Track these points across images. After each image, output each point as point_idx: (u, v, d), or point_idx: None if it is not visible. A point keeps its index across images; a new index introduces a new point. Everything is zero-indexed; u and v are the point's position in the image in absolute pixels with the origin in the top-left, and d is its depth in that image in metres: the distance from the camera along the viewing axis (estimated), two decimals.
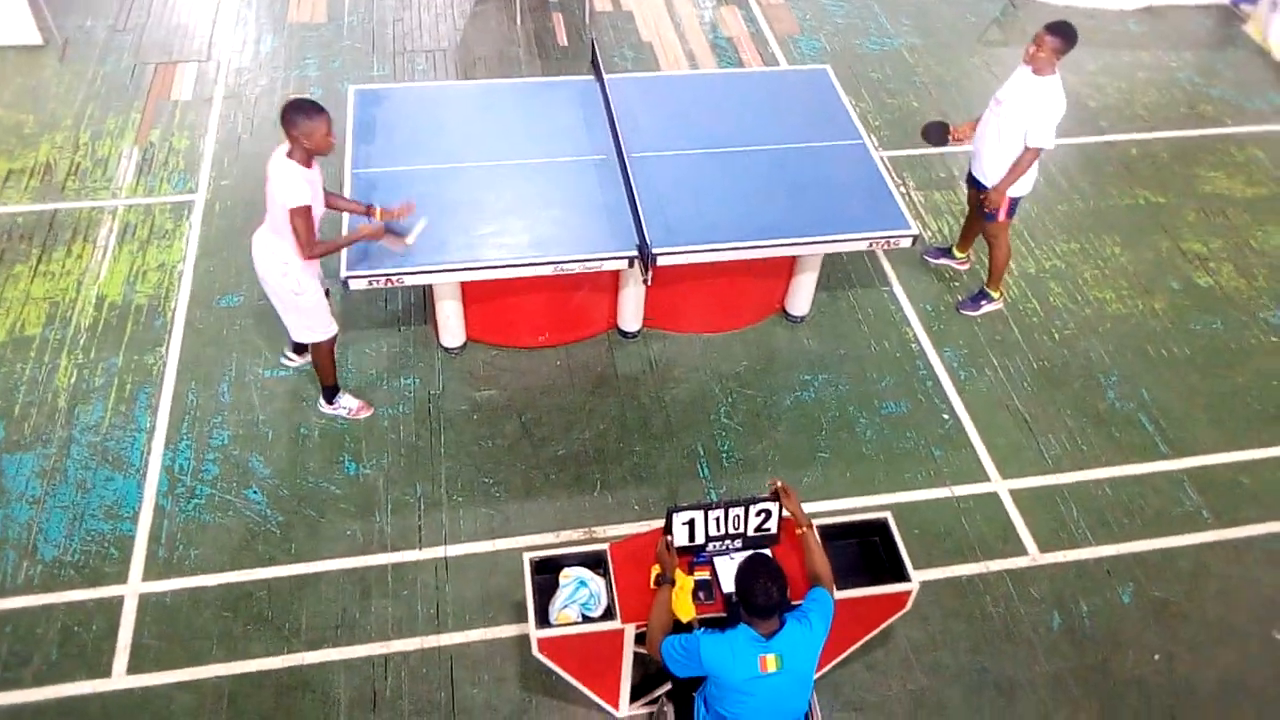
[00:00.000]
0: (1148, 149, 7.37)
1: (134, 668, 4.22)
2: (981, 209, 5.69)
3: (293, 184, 4.41)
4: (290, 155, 4.47)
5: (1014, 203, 5.63)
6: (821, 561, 3.66)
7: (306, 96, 4.45)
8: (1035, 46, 5.25)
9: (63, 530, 4.68)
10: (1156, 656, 4.52)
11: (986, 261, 5.99)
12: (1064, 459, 5.29)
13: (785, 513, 3.84)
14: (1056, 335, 5.95)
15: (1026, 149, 5.37)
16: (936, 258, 6.31)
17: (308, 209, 4.45)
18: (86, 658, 4.24)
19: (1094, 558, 4.87)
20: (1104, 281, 6.31)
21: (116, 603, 4.44)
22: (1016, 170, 5.43)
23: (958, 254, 6.29)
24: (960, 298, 6.11)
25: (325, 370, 5.15)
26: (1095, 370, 5.76)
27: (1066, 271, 6.36)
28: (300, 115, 4.39)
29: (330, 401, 5.26)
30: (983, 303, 6.04)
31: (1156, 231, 6.69)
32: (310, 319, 4.88)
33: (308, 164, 4.49)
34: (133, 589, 4.49)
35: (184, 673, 4.22)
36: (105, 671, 4.20)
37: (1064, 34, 5.21)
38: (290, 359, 5.48)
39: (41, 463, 4.95)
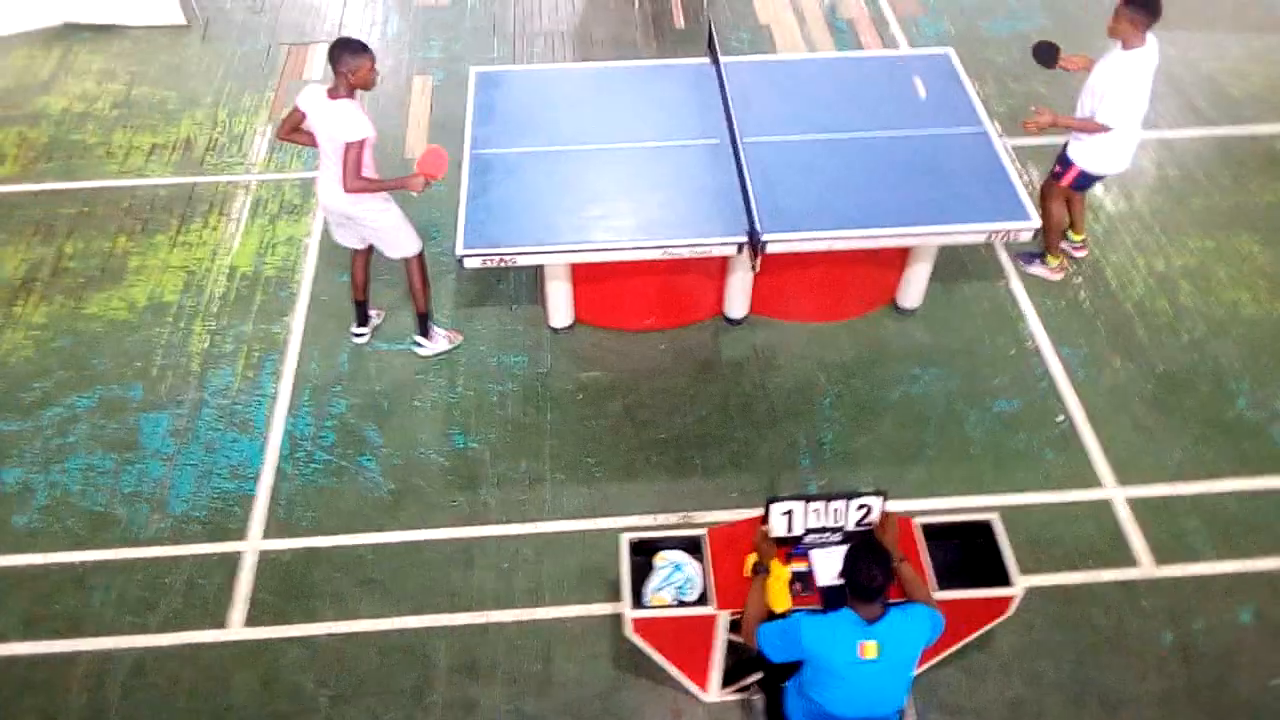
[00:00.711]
0: None
1: (250, 620, 4.47)
2: (1054, 175, 5.67)
3: (354, 119, 4.65)
4: (334, 94, 4.68)
5: (1083, 175, 5.56)
6: (920, 591, 3.60)
7: (349, 37, 4.71)
8: (1113, 18, 5.11)
9: (191, 487, 4.97)
10: (1275, 681, 4.30)
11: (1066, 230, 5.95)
12: (1186, 468, 5.06)
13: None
14: (1185, 337, 5.68)
15: (1095, 120, 5.29)
16: (1029, 263, 6.08)
17: (364, 142, 4.68)
18: (208, 608, 4.51)
19: (1213, 574, 4.65)
20: (1240, 282, 5.99)
21: (237, 558, 4.69)
22: (1077, 125, 5.37)
23: (1074, 237, 6.07)
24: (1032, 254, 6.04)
25: (420, 292, 5.38)
26: (1225, 376, 5.48)
27: (1199, 270, 6.05)
28: (348, 53, 4.62)
29: (427, 334, 5.51)
30: (1037, 262, 5.99)
31: None
32: (398, 234, 5.15)
33: (353, 96, 4.72)
34: (252, 546, 4.74)
35: (296, 628, 4.45)
36: (223, 623, 4.46)
37: (1142, 4, 5.02)
38: (359, 333, 5.66)
39: (174, 422, 5.25)
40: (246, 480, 5.00)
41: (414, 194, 4.94)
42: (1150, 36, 5.15)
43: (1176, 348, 5.62)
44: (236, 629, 4.44)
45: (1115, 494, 4.95)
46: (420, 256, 5.32)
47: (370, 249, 5.37)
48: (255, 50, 7.77)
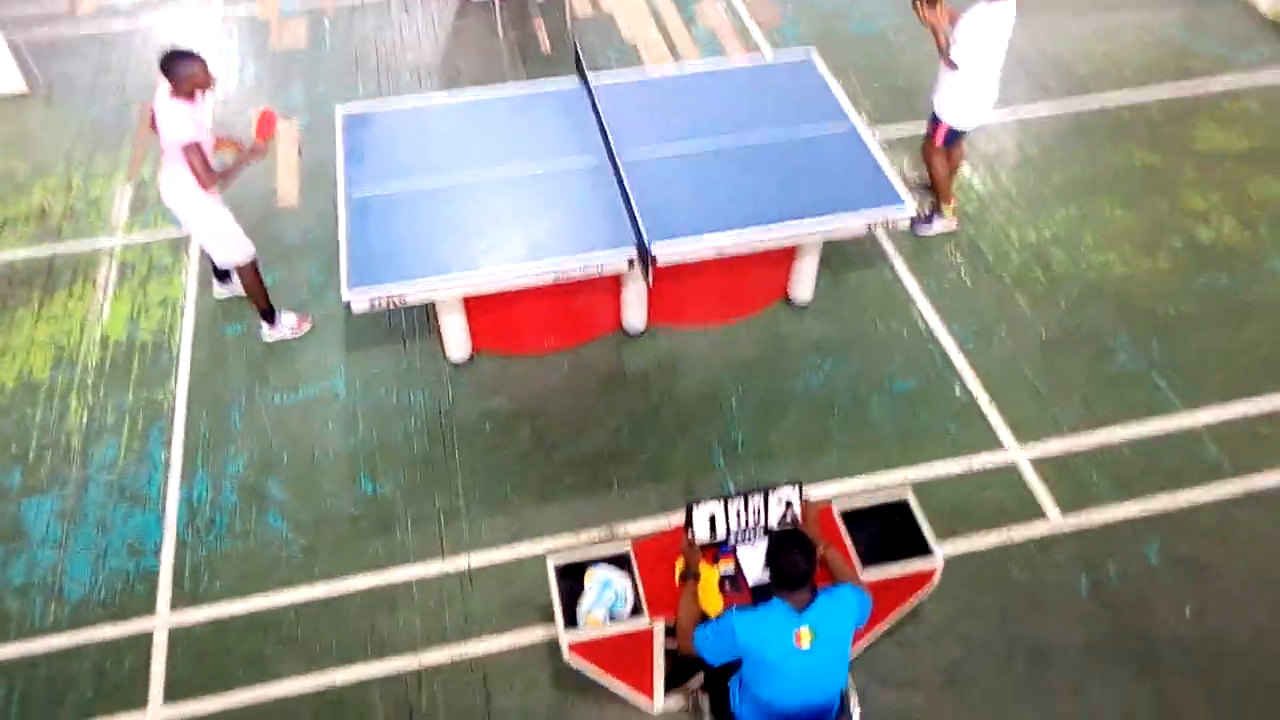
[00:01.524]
0: (1140, 110, 7.34)
1: (170, 697, 4.24)
2: (928, 137, 6.15)
3: (180, 122, 4.81)
4: (174, 95, 4.86)
5: (951, 131, 6.02)
6: (847, 574, 3.65)
7: (179, 46, 4.92)
8: None
9: (87, 570, 4.70)
10: (1188, 612, 4.50)
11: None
12: (1080, 423, 5.27)
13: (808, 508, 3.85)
14: (1063, 302, 5.93)
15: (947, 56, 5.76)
16: (924, 228, 6.38)
17: (198, 144, 4.85)
18: (122, 692, 4.26)
19: (1118, 519, 4.86)
20: (1106, 244, 6.30)
21: (147, 637, 4.45)
22: (941, 41, 5.75)
23: (945, 209, 6.41)
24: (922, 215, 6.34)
25: (257, 293, 5.52)
26: (1104, 334, 5.74)
27: (1068, 238, 6.35)
28: (179, 63, 4.82)
29: (271, 324, 5.60)
30: (935, 219, 6.35)
31: (1155, 191, 6.67)
32: (227, 241, 5.30)
33: (191, 99, 4.89)
34: (162, 621, 4.51)
35: (220, 699, 4.24)
36: (142, 704, 4.22)
37: None
38: (220, 289, 5.85)
39: (60, 504, 4.96)
40: (146, 555, 4.75)
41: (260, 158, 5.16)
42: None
43: (1056, 312, 5.87)
44: (156, 710, 4.20)
45: (1018, 455, 5.13)
46: (252, 265, 5.44)
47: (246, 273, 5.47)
48: (105, 111, 7.47)
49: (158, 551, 4.76)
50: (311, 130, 7.21)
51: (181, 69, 4.81)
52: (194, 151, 4.85)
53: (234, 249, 5.34)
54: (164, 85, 4.88)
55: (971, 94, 5.85)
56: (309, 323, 5.73)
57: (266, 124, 5.11)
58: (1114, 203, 6.58)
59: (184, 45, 4.94)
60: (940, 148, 6.13)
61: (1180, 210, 6.52)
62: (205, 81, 4.90)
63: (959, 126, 6.01)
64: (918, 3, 5.81)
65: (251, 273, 5.46)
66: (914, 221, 6.14)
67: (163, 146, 5.01)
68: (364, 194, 5.32)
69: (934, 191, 6.34)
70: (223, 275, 5.83)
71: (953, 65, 5.73)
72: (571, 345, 5.68)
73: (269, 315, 5.63)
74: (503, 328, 5.56)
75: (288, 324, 5.68)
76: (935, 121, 6.05)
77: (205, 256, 5.77)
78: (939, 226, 6.37)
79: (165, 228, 6.49)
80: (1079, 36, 8.07)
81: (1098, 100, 7.43)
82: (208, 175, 4.92)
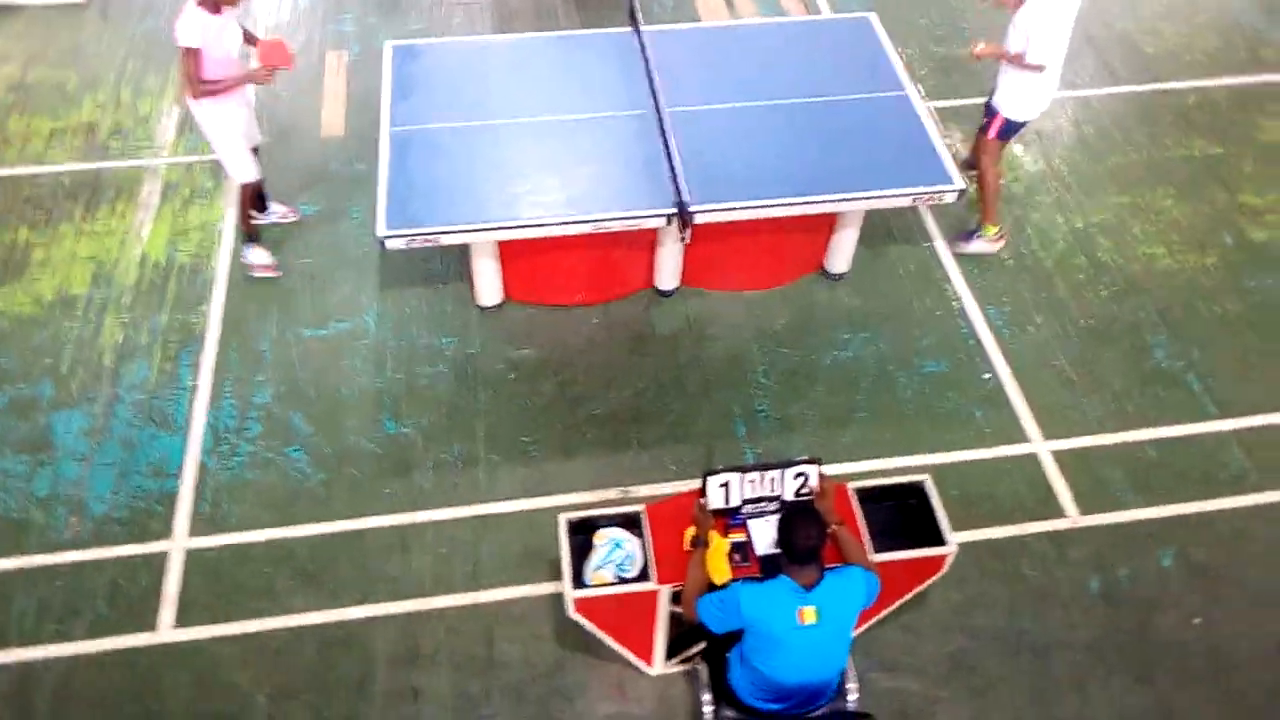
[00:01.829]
0: (1206, 96, 7.10)
1: (181, 621, 4.35)
2: (981, 130, 5.74)
3: (189, 26, 4.83)
4: (200, 4, 4.87)
5: (1007, 124, 5.59)
6: (858, 555, 3.64)
7: None
8: None
9: (110, 486, 4.80)
10: (1196, 620, 4.47)
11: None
12: (1108, 420, 5.19)
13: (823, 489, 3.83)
14: (1105, 292, 5.81)
15: (1023, 60, 5.32)
16: (961, 245, 6.06)
17: (197, 52, 4.87)
18: (135, 612, 4.37)
19: (1135, 520, 4.80)
20: (1155, 236, 6.14)
21: (162, 558, 4.56)
22: (1010, 58, 5.37)
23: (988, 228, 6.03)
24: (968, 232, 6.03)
25: (241, 213, 5.59)
26: (1143, 329, 5.62)
27: (1116, 226, 6.19)
28: None
29: (246, 248, 5.73)
30: (975, 238, 5.95)
31: (1212, 184, 6.48)
32: (226, 156, 5.36)
33: (216, 10, 4.91)
34: (178, 545, 4.61)
35: (229, 627, 4.34)
36: (152, 625, 4.33)
37: None
38: (257, 216, 5.84)
39: (88, 420, 5.06)
40: (168, 477, 4.84)
41: (268, 84, 5.27)
42: None
43: (1096, 303, 5.75)
44: (167, 631, 4.31)
45: (1041, 448, 5.07)
46: (245, 189, 5.49)
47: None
48: (158, 28, 7.44)
49: (179, 474, 4.85)
50: (361, 61, 7.16)
51: None
52: (189, 57, 4.88)
53: (234, 167, 5.41)
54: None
55: (1036, 84, 5.43)
56: (273, 273, 5.72)
57: (274, 52, 5.13)
58: (1168, 193, 6.40)
59: None
60: (995, 143, 5.70)
61: (1236, 206, 6.33)
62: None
63: (1018, 118, 5.56)
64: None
65: (245, 193, 5.52)
66: (955, 237, 6.01)
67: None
68: (407, 129, 5.29)
69: (980, 202, 5.89)
70: (261, 203, 5.86)
71: (1038, 68, 5.29)
72: (602, 300, 5.66)
73: (248, 239, 5.71)
74: (535, 277, 5.55)
75: (256, 259, 5.70)
76: (991, 113, 5.62)
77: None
78: (977, 247, 5.94)
79: (209, 151, 6.47)
80: (1149, 15, 7.79)
81: (1162, 85, 7.19)
82: (194, 84, 4.96)
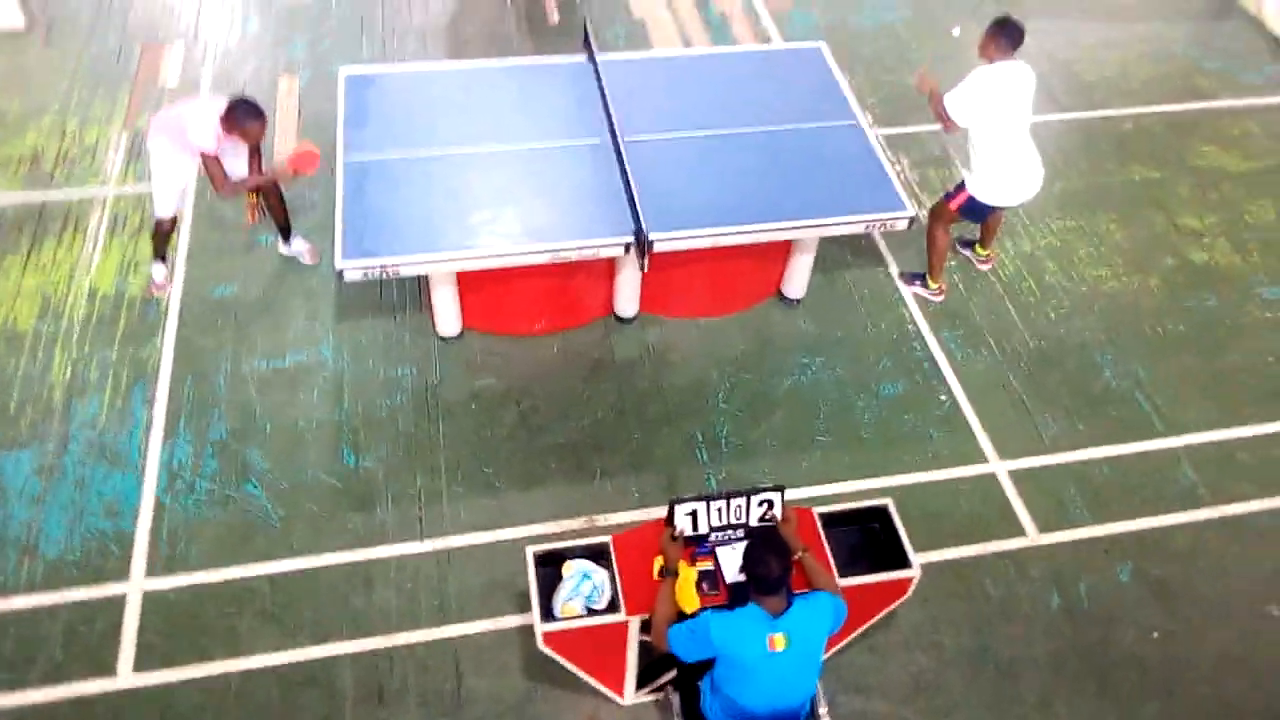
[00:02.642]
0: (1143, 123, 7.34)
1: (140, 665, 4.23)
2: (946, 195, 5.67)
3: (209, 135, 4.97)
4: (226, 130, 5.03)
5: (971, 200, 5.47)
6: (825, 581, 3.68)
7: (247, 97, 5.10)
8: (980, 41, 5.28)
9: (63, 528, 4.67)
10: (1155, 634, 4.57)
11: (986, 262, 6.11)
12: (1061, 439, 5.31)
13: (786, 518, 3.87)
14: (1052, 314, 5.96)
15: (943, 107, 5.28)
16: (962, 247, 6.23)
17: (216, 158, 5.06)
18: (92, 656, 4.25)
19: (1092, 537, 4.91)
20: (1099, 259, 6.31)
21: (120, 600, 4.44)
22: (934, 100, 5.32)
23: (980, 251, 6.18)
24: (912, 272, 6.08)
25: (157, 238, 5.67)
26: (1091, 349, 5.77)
27: (1062, 249, 6.36)
28: (250, 119, 5.02)
29: (151, 265, 5.81)
30: (917, 283, 5.98)
31: (1151, 207, 6.69)
32: (160, 193, 5.45)
33: (230, 133, 5.06)
34: (136, 586, 4.50)
35: (190, 669, 4.23)
36: (111, 670, 4.21)
37: (998, 26, 5.21)
38: (282, 248, 5.98)
39: (39, 460, 4.93)
40: (123, 517, 4.73)
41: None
42: (1018, 61, 5.22)
43: (1046, 324, 5.90)
44: (126, 676, 4.19)
45: (998, 468, 5.17)
46: (159, 224, 5.57)
47: (271, 193, 5.70)
48: (105, 52, 7.34)
49: (135, 514, 4.74)
50: (312, 87, 7.11)
51: (246, 123, 5.01)
52: (213, 162, 5.07)
53: (161, 201, 5.47)
54: (215, 109, 5.02)
55: (1000, 171, 5.34)
56: (164, 291, 5.75)
57: (305, 161, 5.27)
58: (1110, 217, 6.59)
59: (256, 101, 5.08)
60: (951, 211, 5.59)
61: (1175, 228, 6.54)
62: (257, 138, 5.14)
63: (984, 200, 5.45)
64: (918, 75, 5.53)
65: (167, 225, 5.59)
66: (904, 274, 6.08)
67: (174, 124, 5.12)
68: (362, 159, 5.26)
69: (928, 257, 5.84)
70: (286, 234, 5.92)
71: (949, 122, 5.26)
72: (562, 328, 5.67)
73: (157, 257, 5.75)
74: (494, 306, 5.54)
75: (156, 275, 5.76)
76: (959, 187, 5.54)
77: (262, 212, 5.88)
78: (920, 292, 5.96)
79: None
80: (1089, 44, 8.04)
81: (1102, 112, 7.41)
82: (224, 185, 5.16)
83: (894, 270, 6.13)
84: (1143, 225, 6.55)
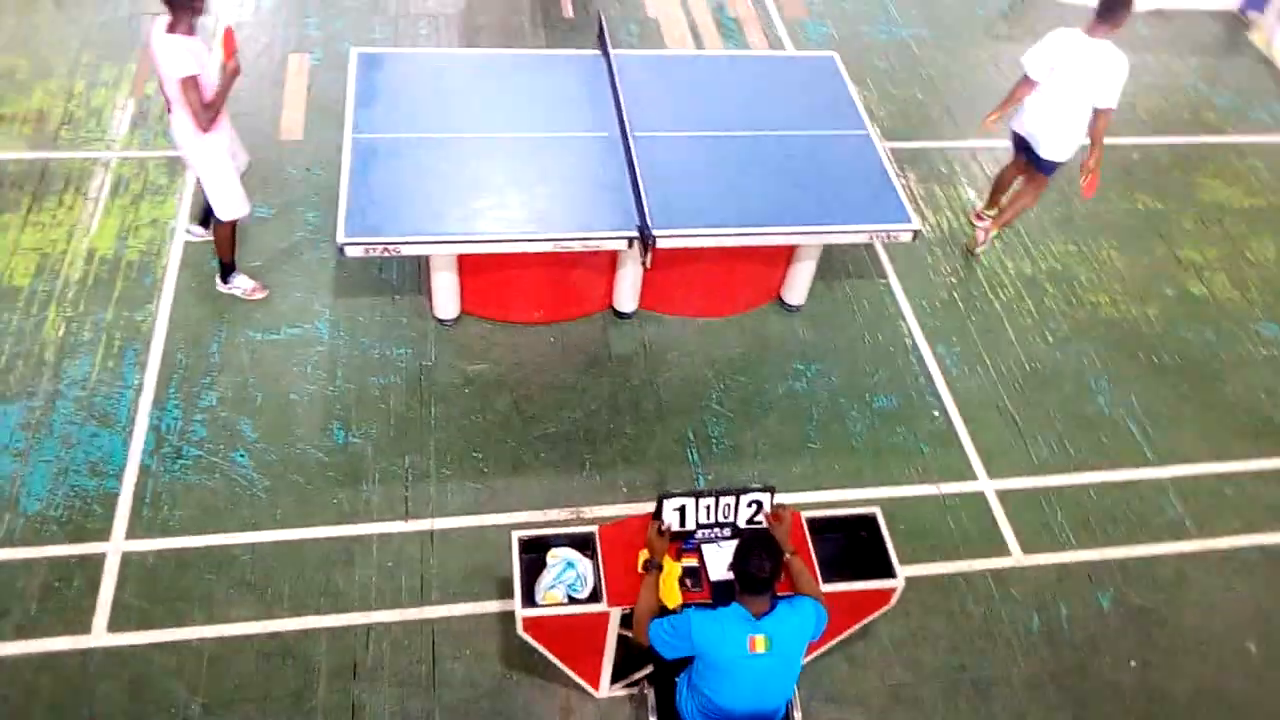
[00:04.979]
0: (1149, 154, 7.37)
1: (114, 625, 4.21)
2: (1034, 165, 5.99)
3: (179, 56, 4.64)
4: (173, 29, 4.66)
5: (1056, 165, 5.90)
6: (809, 585, 3.67)
7: None
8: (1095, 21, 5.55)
9: (47, 484, 4.64)
10: (1133, 663, 4.57)
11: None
12: (1051, 461, 5.32)
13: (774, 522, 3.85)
14: (1050, 337, 5.97)
15: (1098, 112, 5.66)
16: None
17: (195, 78, 4.70)
18: (67, 614, 4.22)
19: (1076, 561, 4.91)
20: (1099, 285, 6.33)
21: (99, 560, 4.41)
22: (1098, 135, 5.75)
23: (987, 211, 6.44)
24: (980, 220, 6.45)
25: (224, 248, 5.44)
26: (1086, 374, 5.78)
27: (1062, 274, 6.37)
28: None
29: (225, 280, 5.54)
30: (980, 226, 6.37)
31: (1153, 237, 6.71)
32: (224, 194, 5.15)
33: (190, 33, 4.71)
34: (116, 547, 4.47)
35: (165, 633, 4.21)
36: (85, 628, 4.19)
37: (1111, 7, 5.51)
38: (193, 232, 5.79)
39: (26, 415, 4.90)
40: (108, 477, 4.70)
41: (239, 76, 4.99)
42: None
43: (1042, 346, 5.91)
44: (100, 635, 4.17)
45: (987, 486, 5.17)
46: (230, 226, 5.35)
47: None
48: (115, 19, 7.31)
49: (120, 475, 4.71)
50: (323, 66, 7.10)
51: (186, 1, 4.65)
52: (191, 88, 4.70)
53: (228, 203, 5.19)
54: (161, 20, 4.69)
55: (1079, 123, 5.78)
56: (263, 292, 5.57)
57: (229, 42, 4.93)
58: (1112, 244, 6.61)
59: None
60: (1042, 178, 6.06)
61: (1176, 260, 6.56)
62: (200, 8, 4.73)
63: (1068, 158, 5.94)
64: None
65: (229, 229, 5.34)
66: (980, 214, 6.44)
67: (164, 88, 4.82)
68: (370, 137, 5.25)
69: (1009, 205, 6.25)
70: (204, 222, 5.71)
71: (1111, 111, 5.71)
72: (560, 319, 5.66)
73: (227, 270, 5.51)
74: (493, 292, 5.52)
75: (241, 286, 5.55)
76: (1050, 167, 5.94)
77: (198, 197, 5.67)
78: (982, 233, 6.36)
79: (164, 147, 6.38)
80: None
81: (1108, 139, 7.40)
82: (204, 113, 4.78)
83: (895, 283, 6.14)
84: (1144, 254, 6.57)
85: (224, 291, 5.54)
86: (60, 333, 5.27)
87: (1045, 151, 5.84)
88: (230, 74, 4.90)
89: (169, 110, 4.95)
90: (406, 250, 4.86)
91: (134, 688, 4.04)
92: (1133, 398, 5.68)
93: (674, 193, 5.14)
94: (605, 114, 5.58)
